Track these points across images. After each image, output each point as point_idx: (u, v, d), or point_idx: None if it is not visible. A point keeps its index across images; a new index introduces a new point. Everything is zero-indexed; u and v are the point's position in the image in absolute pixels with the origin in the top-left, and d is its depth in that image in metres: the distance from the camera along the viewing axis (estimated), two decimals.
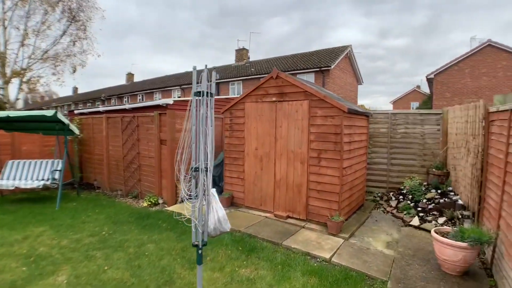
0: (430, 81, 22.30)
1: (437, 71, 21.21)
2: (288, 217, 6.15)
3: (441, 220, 5.79)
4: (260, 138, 6.50)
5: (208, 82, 2.90)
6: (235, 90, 22.95)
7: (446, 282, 3.90)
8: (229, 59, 46.87)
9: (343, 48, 21.54)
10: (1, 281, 3.84)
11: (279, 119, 6.19)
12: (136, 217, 6.43)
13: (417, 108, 34.73)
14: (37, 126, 8.23)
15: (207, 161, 2.87)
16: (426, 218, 6.03)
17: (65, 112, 12.67)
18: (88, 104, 37.58)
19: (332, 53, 20.79)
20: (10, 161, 8.21)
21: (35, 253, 4.66)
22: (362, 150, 6.74)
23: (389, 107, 47.19)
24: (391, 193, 7.73)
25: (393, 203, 7.11)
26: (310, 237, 5.28)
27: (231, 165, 7.11)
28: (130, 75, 39.84)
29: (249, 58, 27.15)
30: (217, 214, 2.96)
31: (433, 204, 6.29)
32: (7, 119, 7.24)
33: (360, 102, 28.69)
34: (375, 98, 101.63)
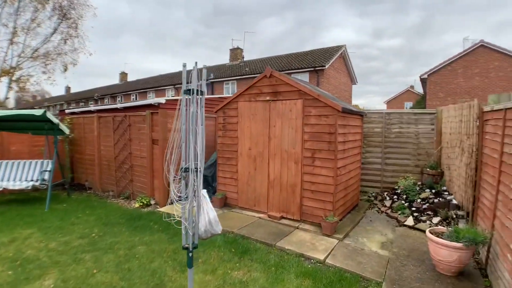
0: (423, 81, 22.41)
1: (431, 71, 21.32)
2: (282, 217, 6.07)
3: (436, 220, 5.77)
4: (254, 137, 6.41)
5: (199, 80, 2.81)
6: (229, 90, 22.84)
7: (441, 283, 3.86)
8: (223, 59, 46.73)
9: (338, 48, 21.54)
10: None
11: (273, 119, 6.11)
12: (127, 219, 6.31)
13: (411, 108, 34.93)
14: (25, 126, 8.05)
15: (197, 161, 2.78)
16: (421, 218, 6.00)
17: (57, 111, 12.47)
18: (81, 104, 37.13)
19: (327, 53, 20.78)
20: None
21: (22, 256, 4.53)
22: (356, 150, 6.69)
23: (383, 107, 47.41)
24: (386, 193, 7.70)
25: (388, 203, 7.08)
26: (304, 238, 5.21)
27: (224, 165, 7.01)
28: (123, 75, 39.48)
29: (243, 57, 27.05)
30: (208, 216, 2.87)
31: (427, 204, 6.27)
32: None
33: (354, 102, 28.78)
34: (369, 98, 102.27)
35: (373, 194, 7.99)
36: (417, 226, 5.79)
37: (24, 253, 4.65)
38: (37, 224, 5.93)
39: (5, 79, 18.29)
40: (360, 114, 6.97)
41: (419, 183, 7.35)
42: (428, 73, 21.39)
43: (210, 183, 7.81)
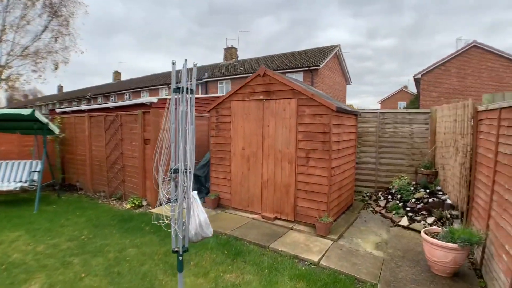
0: (417, 81, 22.52)
1: (424, 71, 21.43)
2: (276, 218, 6.00)
3: (430, 220, 5.74)
4: (247, 137, 6.33)
5: (188, 78, 2.72)
6: (224, 89, 22.71)
7: (436, 285, 3.82)
8: (218, 58, 46.63)
9: (332, 47, 21.53)
10: None
11: (267, 118, 6.03)
12: (118, 220, 6.19)
13: (404, 108, 35.12)
14: (14, 126, 7.87)
15: (187, 162, 2.68)
16: (415, 218, 5.97)
17: (48, 110, 12.23)
18: (73, 103, 36.64)
19: (321, 53, 20.76)
20: None
21: (8, 260, 4.39)
22: (350, 149, 6.64)
23: (377, 107, 47.62)
24: (380, 193, 7.67)
25: (382, 203, 7.04)
26: (298, 239, 5.14)
27: (217, 165, 6.92)
28: (117, 74, 39.09)
29: (237, 56, 26.93)
30: (198, 218, 2.78)
31: (422, 204, 6.24)
32: None
33: (348, 101, 28.80)
34: (363, 98, 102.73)
35: (368, 194, 7.96)
36: (411, 226, 5.76)
37: (10, 256, 4.51)
38: (25, 226, 5.79)
39: None
40: (354, 113, 6.92)
41: (414, 182, 7.33)
42: (422, 73, 21.49)
43: (203, 184, 7.71)
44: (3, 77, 18.15)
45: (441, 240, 3.97)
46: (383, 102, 47.71)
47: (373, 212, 6.86)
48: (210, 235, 2.89)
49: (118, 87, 33.50)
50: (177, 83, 2.73)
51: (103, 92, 33.72)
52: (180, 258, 2.87)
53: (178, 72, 2.73)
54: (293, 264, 4.31)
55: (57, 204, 7.57)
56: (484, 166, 4.41)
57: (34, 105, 41.73)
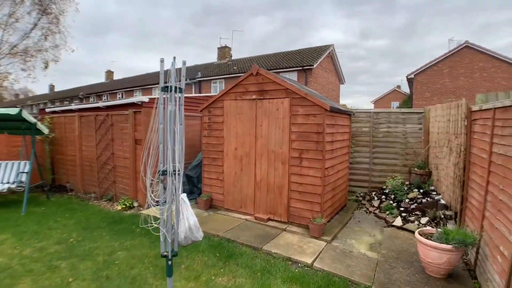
0: (410, 81, 22.63)
1: (417, 71, 21.55)
2: (269, 219, 5.92)
3: (424, 220, 5.71)
4: (240, 137, 6.24)
5: (177, 77, 2.63)
6: (217, 89, 22.58)
7: (430, 286, 3.79)
8: (212, 57, 46.41)
9: (326, 47, 21.53)
10: None
11: (260, 118, 5.95)
12: (108, 222, 6.06)
13: (397, 108, 35.30)
14: (1, 125, 7.65)
15: (176, 163, 2.59)
16: (409, 218, 5.94)
17: (38, 110, 12.00)
18: (65, 103, 36.19)
19: (315, 52, 20.75)
20: None
21: None
22: (344, 149, 6.59)
23: (370, 107, 47.84)
24: (374, 193, 7.65)
25: (376, 203, 7.01)
26: (291, 241, 5.07)
27: (210, 166, 6.82)
28: (109, 73, 38.70)
29: (231, 56, 26.83)
30: (188, 221, 2.69)
31: (415, 204, 6.21)
32: None
33: (342, 101, 28.87)
34: (356, 98, 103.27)
35: (361, 194, 7.93)
36: (405, 226, 5.73)
37: None
38: (11, 229, 5.63)
39: None
40: (348, 113, 6.88)
41: (407, 182, 7.31)
42: (415, 73, 21.61)
43: (195, 184, 7.61)
44: None
45: (435, 241, 3.93)
46: (376, 102, 47.95)
47: (367, 213, 6.82)
48: (200, 239, 2.80)
49: (111, 86, 33.17)
50: (165, 82, 2.64)
51: (96, 91, 33.36)
52: (169, 262, 2.78)
53: (166, 71, 2.65)
54: (286, 267, 4.24)
55: (46, 205, 7.40)
56: (478, 166, 4.39)
57: (25, 105, 41.15)
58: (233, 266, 4.21)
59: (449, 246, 3.78)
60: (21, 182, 7.35)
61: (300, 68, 18.84)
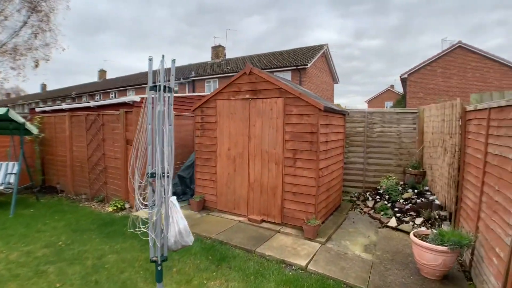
0: (404, 80, 22.71)
1: (411, 71, 21.63)
2: (263, 221, 5.84)
3: (419, 220, 5.68)
4: (233, 137, 6.15)
5: (166, 76, 2.53)
6: (211, 88, 22.44)
7: None
8: (206, 57, 46.23)
9: (320, 47, 21.52)
10: None
11: (253, 118, 5.87)
12: (99, 224, 5.93)
13: (391, 107, 35.44)
14: None
15: (165, 165, 2.50)
16: (404, 218, 5.91)
17: (29, 109, 11.77)
18: (57, 102, 35.76)
19: (309, 52, 20.71)
20: None
21: None
22: (339, 149, 6.54)
23: (364, 106, 48.00)
24: (368, 193, 7.61)
25: (370, 203, 6.97)
26: (285, 243, 4.99)
27: (202, 167, 6.72)
28: (102, 72, 38.27)
29: (225, 55, 26.69)
30: (177, 225, 2.60)
31: (410, 204, 6.19)
32: None
33: (336, 101, 28.91)
34: (350, 97, 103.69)
35: (356, 194, 7.88)
36: (400, 227, 5.69)
37: None
38: None
39: None
40: (342, 113, 6.82)
41: (401, 183, 7.29)
42: (408, 72, 21.69)
43: (188, 185, 7.50)
44: None
45: (430, 243, 3.88)
46: (370, 102, 48.15)
47: (361, 213, 6.78)
48: (191, 244, 2.71)
49: (104, 86, 32.82)
50: (154, 82, 2.55)
51: (88, 91, 32.98)
52: (159, 268, 2.69)
53: (155, 71, 2.55)
54: (280, 269, 4.16)
55: (35, 207, 7.24)
56: (472, 166, 4.35)
57: (17, 104, 40.57)
58: (225, 270, 4.12)
59: (444, 248, 3.74)
60: (9, 183, 7.18)
61: (294, 67, 18.79)
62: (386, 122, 7.82)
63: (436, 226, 5.28)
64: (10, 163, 7.58)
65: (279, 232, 5.45)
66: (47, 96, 39.36)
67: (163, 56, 2.48)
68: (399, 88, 38.34)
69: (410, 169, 7.18)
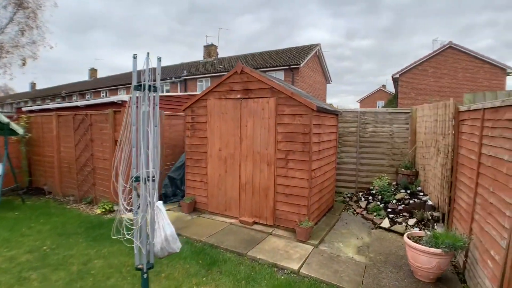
0: (395, 80, 22.81)
1: (402, 71, 21.73)
2: (255, 223, 5.74)
3: (412, 221, 5.63)
4: (224, 138, 6.03)
5: (151, 74, 2.41)
6: (203, 87, 22.25)
7: None
8: (198, 56, 45.87)
9: (312, 46, 21.48)
10: None
11: (244, 118, 5.75)
12: (86, 227, 5.76)
13: (383, 107, 35.65)
14: None
15: (150, 168, 2.38)
16: (397, 219, 5.86)
17: (15, 109, 11.48)
18: (47, 101, 35.15)
19: (302, 52, 20.66)
20: None
21: None
22: (331, 150, 6.46)
23: (356, 106, 48.24)
24: (361, 193, 7.55)
25: (363, 204, 6.92)
26: (277, 245, 4.90)
27: (193, 167, 6.58)
28: (93, 71, 37.77)
29: (217, 54, 26.51)
30: (164, 232, 2.48)
31: (403, 205, 6.15)
32: None
33: (328, 100, 28.97)
34: (342, 97, 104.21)
35: (348, 195, 7.83)
36: (393, 228, 5.64)
37: None
38: None
39: None
40: (335, 113, 6.75)
41: (394, 183, 7.25)
42: (400, 72, 21.79)
43: (179, 186, 7.36)
44: None
45: (424, 245, 3.82)
46: (362, 101, 48.37)
47: (354, 214, 6.72)
48: (178, 250, 2.59)
49: (94, 84, 32.39)
50: (139, 82, 2.42)
51: (79, 89, 32.49)
52: (145, 276, 2.57)
53: (142, 71, 2.43)
54: (272, 274, 4.06)
55: (20, 210, 7.02)
56: (466, 167, 4.31)
57: (6, 103, 39.82)
58: (216, 274, 4.00)
59: (438, 250, 3.68)
60: None
61: (287, 67, 18.72)
62: (379, 122, 7.78)
63: (430, 227, 5.24)
64: None
65: (271, 234, 5.35)
66: (36, 95, 38.68)
67: (147, 53, 2.36)
68: (390, 88, 38.59)
69: (402, 169, 7.15)
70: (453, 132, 4.84)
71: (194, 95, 7.04)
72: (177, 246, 2.56)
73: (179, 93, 12.48)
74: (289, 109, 5.28)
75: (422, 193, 6.38)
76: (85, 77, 38.43)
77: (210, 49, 26.09)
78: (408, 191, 6.57)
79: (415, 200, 6.16)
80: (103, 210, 6.68)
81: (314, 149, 5.26)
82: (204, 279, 3.89)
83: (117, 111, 6.73)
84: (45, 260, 4.42)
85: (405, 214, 5.95)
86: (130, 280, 3.84)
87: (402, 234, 5.22)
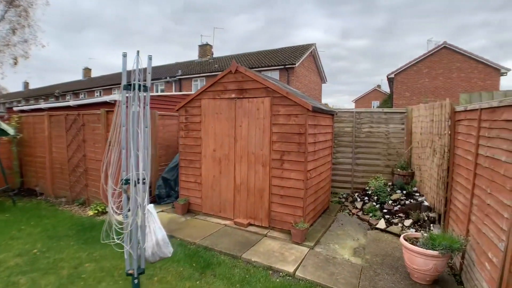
0: (390, 80, 22.86)
1: (397, 71, 21.79)
2: (250, 224, 5.67)
3: (408, 222, 5.60)
4: (219, 138, 5.95)
5: (140, 73, 2.33)
6: (198, 87, 22.11)
7: None
8: (193, 55, 45.71)
9: (308, 46, 21.45)
10: None
11: (239, 118, 5.68)
12: (77, 229, 5.65)
13: (378, 107, 35.76)
14: None
15: (140, 170, 2.30)
16: (392, 220, 5.82)
17: (6, 108, 11.30)
18: (40, 101, 34.74)
19: (297, 51, 20.62)
20: None
21: None
22: (327, 150, 6.41)
23: (351, 106, 48.36)
24: (356, 194, 7.51)
25: (359, 204, 6.87)
26: (272, 248, 4.83)
27: (187, 168, 6.49)
28: (87, 70, 37.41)
29: (212, 54, 26.38)
30: (155, 236, 2.40)
31: (398, 206, 6.11)
32: None
33: (323, 100, 28.98)
34: (337, 97, 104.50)
35: (344, 195, 7.79)
36: (389, 229, 5.60)
37: None
38: None
39: None
40: (330, 113, 6.70)
41: (390, 183, 7.22)
42: (395, 72, 21.84)
43: (172, 187, 7.26)
44: None
45: (421, 247, 3.78)
46: (357, 101, 48.52)
47: (350, 215, 6.67)
48: (169, 255, 2.51)
49: (88, 84, 32.09)
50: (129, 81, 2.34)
51: (72, 89, 32.16)
52: (136, 281, 2.49)
53: (133, 70, 2.34)
54: (266, 277, 3.99)
55: (10, 212, 6.88)
56: (463, 168, 4.27)
57: None
58: (210, 278, 3.93)
59: (435, 252, 3.64)
60: None
61: (282, 66, 18.67)
62: (374, 122, 7.75)
63: (426, 228, 5.21)
64: None
65: (266, 236, 5.28)
66: (29, 94, 38.23)
67: (137, 52, 2.28)
68: (385, 88, 38.77)
69: (398, 169, 7.13)
70: (449, 132, 4.81)
71: (188, 95, 6.95)
72: (168, 250, 2.48)
73: (173, 93, 12.37)
74: (284, 109, 5.21)
75: (418, 194, 6.36)
76: (79, 76, 38.07)
77: (205, 48, 25.96)
78: (404, 192, 6.54)
79: (411, 200, 6.14)
80: (96, 211, 6.57)
81: (309, 149, 5.20)
82: (197, 282, 3.81)
83: (109, 111, 6.62)
84: (34, 264, 4.31)
85: (401, 215, 5.91)
86: (122, 284, 3.74)
87: (398, 235, 5.18)
